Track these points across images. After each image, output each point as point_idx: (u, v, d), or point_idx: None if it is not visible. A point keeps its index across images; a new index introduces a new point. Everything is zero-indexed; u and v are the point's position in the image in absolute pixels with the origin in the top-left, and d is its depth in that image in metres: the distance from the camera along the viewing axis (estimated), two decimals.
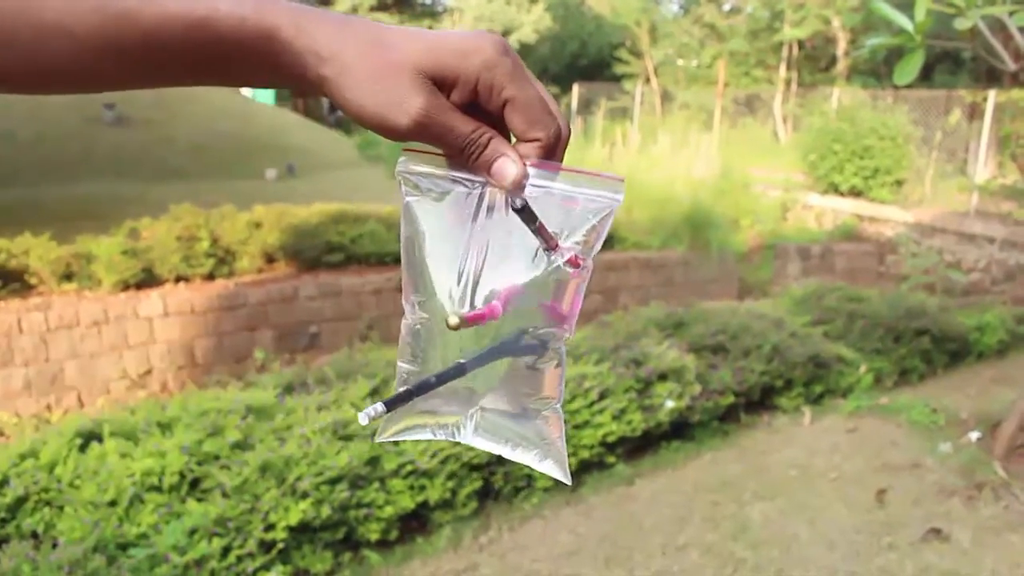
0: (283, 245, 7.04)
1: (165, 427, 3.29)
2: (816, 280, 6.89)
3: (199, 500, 2.95)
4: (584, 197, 0.54)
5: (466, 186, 0.55)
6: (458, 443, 0.60)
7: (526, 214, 0.52)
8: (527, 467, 0.59)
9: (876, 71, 18.81)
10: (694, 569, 3.09)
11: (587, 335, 4.59)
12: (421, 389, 0.56)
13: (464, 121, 0.53)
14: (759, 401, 4.62)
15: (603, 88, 21.29)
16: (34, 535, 2.80)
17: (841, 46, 19.11)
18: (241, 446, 3.16)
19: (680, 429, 4.22)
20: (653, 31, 22.69)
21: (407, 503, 3.19)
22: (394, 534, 3.22)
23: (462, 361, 0.56)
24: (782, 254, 9.80)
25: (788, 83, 19.71)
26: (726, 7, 22.20)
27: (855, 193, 11.85)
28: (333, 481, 3.05)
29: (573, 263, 0.54)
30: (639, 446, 4.07)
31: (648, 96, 20.89)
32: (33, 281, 6.07)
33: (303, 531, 2.98)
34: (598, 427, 3.76)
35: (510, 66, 0.52)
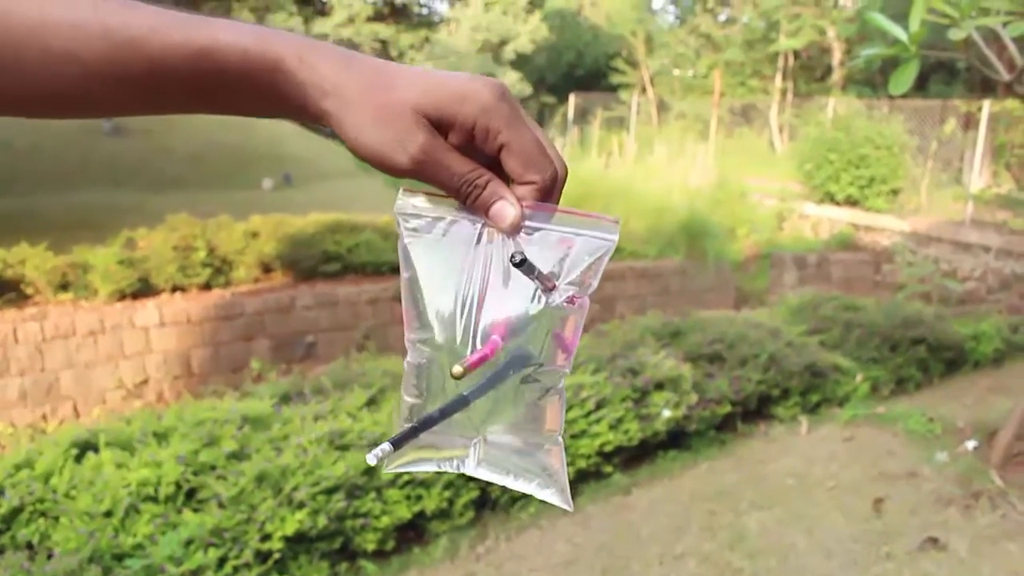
0: (280, 255, 7.04)
1: (161, 437, 3.28)
2: (812, 289, 6.91)
3: (195, 510, 2.94)
4: (580, 238, 0.55)
5: (464, 225, 0.56)
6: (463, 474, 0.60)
7: (525, 267, 0.53)
8: None
9: (871, 81, 18.86)
10: None
11: (584, 344, 4.59)
12: (425, 424, 0.57)
13: (462, 162, 0.54)
14: (756, 410, 4.61)
15: (599, 98, 21.34)
16: (29, 546, 2.79)
17: (836, 56, 19.17)
18: (237, 456, 3.15)
19: (677, 438, 4.22)
20: (649, 41, 22.76)
21: (404, 513, 3.19)
22: (391, 544, 3.21)
23: (464, 393, 0.57)
24: (778, 263, 9.82)
25: (784, 93, 19.77)
26: (722, 17, 22.29)
27: (851, 202, 11.88)
28: (330, 491, 3.04)
29: (571, 302, 0.55)
30: (636, 455, 4.06)
31: (644, 106, 20.95)
32: (29, 291, 6.06)
33: (299, 541, 2.97)
34: (595, 437, 3.76)
35: (507, 111, 0.53)
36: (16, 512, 2.85)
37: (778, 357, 4.64)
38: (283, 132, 15.55)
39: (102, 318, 5.78)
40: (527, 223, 0.55)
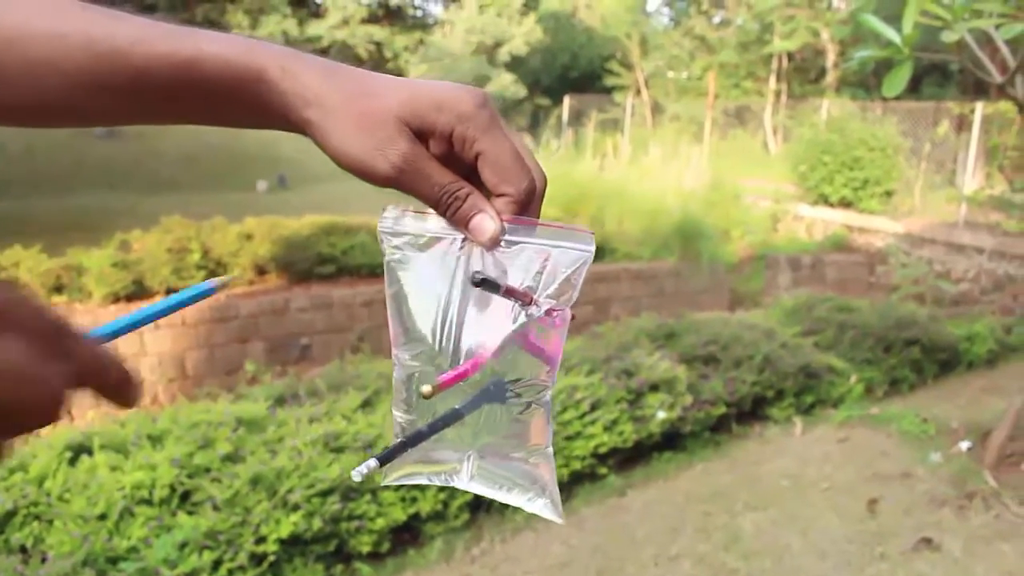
0: (274, 257, 7.03)
1: (155, 440, 3.27)
2: (807, 291, 6.91)
3: (190, 513, 2.93)
4: (556, 250, 0.55)
5: (447, 240, 0.56)
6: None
7: (488, 286, 0.53)
8: None
9: (865, 83, 18.92)
10: None
11: (578, 346, 4.59)
12: (414, 440, 0.57)
13: (442, 172, 0.54)
14: (750, 411, 4.62)
15: (594, 100, 21.35)
16: (23, 549, 2.78)
17: (830, 58, 19.22)
18: (232, 458, 3.15)
19: (672, 440, 4.22)
20: (643, 43, 22.79)
21: (399, 515, 3.18)
22: (386, 546, 3.20)
23: (456, 407, 0.57)
24: (773, 265, 9.83)
25: (778, 95, 19.81)
26: (716, 19, 22.32)
27: (845, 204, 11.90)
28: (324, 493, 3.04)
29: (550, 315, 0.55)
30: (631, 457, 4.07)
31: (639, 108, 20.97)
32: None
33: (294, 544, 2.97)
34: (590, 438, 3.76)
35: (485, 120, 0.52)
36: (10, 515, 2.84)
37: (772, 358, 4.65)
38: (277, 134, 15.41)
39: (96, 321, 5.76)
40: (504, 237, 0.55)
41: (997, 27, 3.20)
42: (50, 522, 2.83)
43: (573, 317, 0.56)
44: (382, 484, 0.63)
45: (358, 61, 26.18)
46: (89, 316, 5.80)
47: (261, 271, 7.09)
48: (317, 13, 26.02)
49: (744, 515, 3.57)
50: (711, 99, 18.26)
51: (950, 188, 12.62)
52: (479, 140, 0.52)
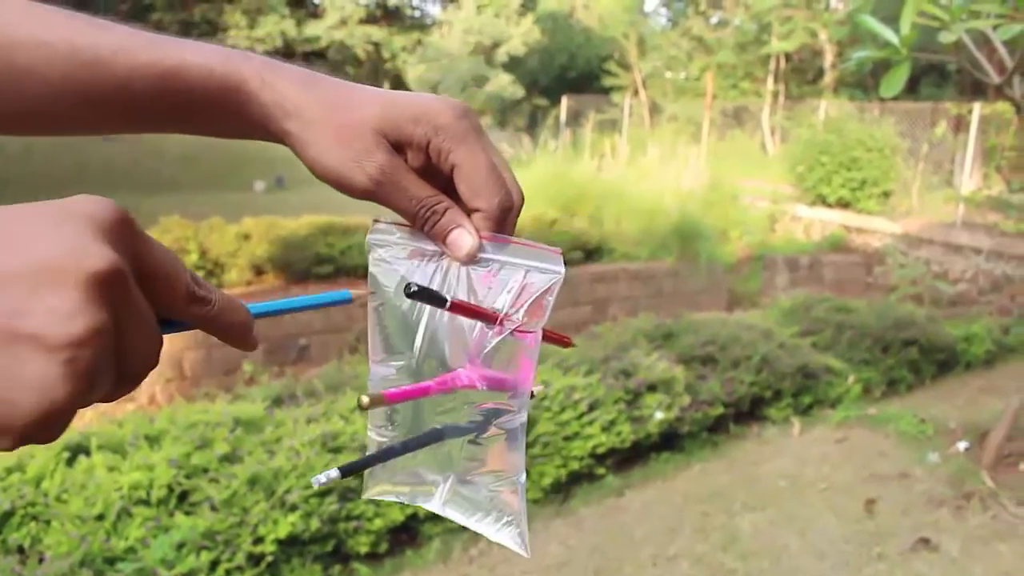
0: (272, 257, 7.02)
1: (153, 440, 3.27)
2: (804, 291, 6.92)
3: (187, 514, 2.93)
4: (529, 270, 0.54)
5: (427, 257, 0.55)
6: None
7: (424, 297, 0.52)
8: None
9: (863, 83, 18.93)
10: None
11: (577, 346, 4.58)
12: (384, 456, 0.56)
13: (420, 185, 0.53)
14: (748, 412, 4.63)
15: (592, 100, 21.35)
16: (20, 550, 2.78)
17: (828, 59, 19.23)
18: (230, 459, 3.14)
19: (670, 440, 4.22)
20: (641, 44, 22.79)
21: (397, 515, 3.18)
22: (384, 547, 3.20)
23: (437, 427, 0.56)
24: (770, 265, 9.84)
25: (776, 95, 19.82)
26: (714, 20, 22.32)
27: (843, 204, 11.91)
28: (322, 493, 3.04)
29: (520, 335, 0.54)
30: (629, 457, 4.07)
31: (637, 108, 20.98)
32: None
33: (292, 544, 2.97)
34: (588, 439, 3.76)
35: (461, 131, 0.52)
36: (7, 516, 2.83)
37: (770, 359, 4.66)
38: None
39: None
40: (481, 254, 0.54)
41: (995, 28, 3.20)
42: (48, 522, 2.83)
43: (550, 338, 0.55)
44: (364, 497, 0.62)
45: (356, 61, 26.20)
46: None
47: (259, 271, 7.08)
48: (315, 13, 26.02)
49: (742, 515, 3.57)
50: (709, 99, 18.27)
51: (948, 188, 12.64)
52: (454, 152, 0.52)
